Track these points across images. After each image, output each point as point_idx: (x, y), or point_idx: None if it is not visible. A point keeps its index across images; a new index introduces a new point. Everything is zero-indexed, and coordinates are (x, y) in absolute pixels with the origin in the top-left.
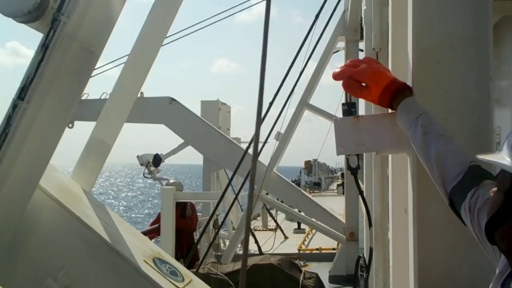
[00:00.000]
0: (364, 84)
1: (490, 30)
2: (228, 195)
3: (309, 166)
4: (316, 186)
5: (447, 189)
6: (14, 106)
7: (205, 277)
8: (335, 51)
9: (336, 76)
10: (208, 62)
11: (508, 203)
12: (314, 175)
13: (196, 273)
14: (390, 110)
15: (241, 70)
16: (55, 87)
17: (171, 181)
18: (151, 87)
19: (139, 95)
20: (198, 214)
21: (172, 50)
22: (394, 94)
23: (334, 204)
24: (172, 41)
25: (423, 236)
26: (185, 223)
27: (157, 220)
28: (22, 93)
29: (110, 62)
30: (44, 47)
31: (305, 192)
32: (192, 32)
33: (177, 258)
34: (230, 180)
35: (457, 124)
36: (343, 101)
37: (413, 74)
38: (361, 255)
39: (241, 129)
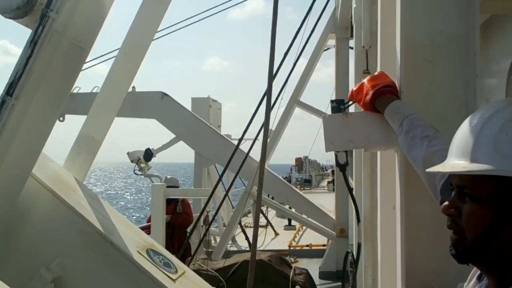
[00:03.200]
0: None
1: (477, 28)
2: (218, 191)
3: (300, 163)
4: (307, 183)
5: (438, 188)
6: (2, 102)
7: (195, 273)
8: (325, 48)
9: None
10: (199, 60)
11: (499, 212)
12: (305, 172)
13: None
14: None
15: (233, 68)
16: (44, 83)
17: (168, 177)
18: (142, 86)
19: (130, 89)
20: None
21: (164, 48)
22: (370, 105)
23: (325, 200)
24: (164, 35)
25: (410, 232)
26: (182, 218)
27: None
28: (11, 89)
29: (100, 56)
30: (33, 43)
31: (296, 189)
32: (185, 27)
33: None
34: (221, 176)
35: (444, 121)
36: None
37: (401, 72)
38: (349, 250)
39: (232, 126)
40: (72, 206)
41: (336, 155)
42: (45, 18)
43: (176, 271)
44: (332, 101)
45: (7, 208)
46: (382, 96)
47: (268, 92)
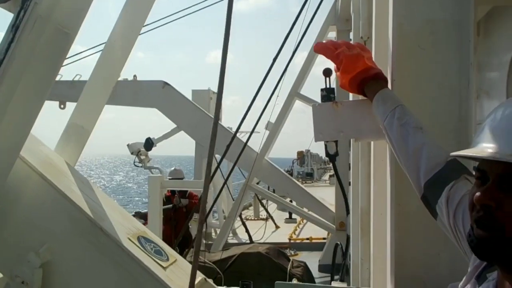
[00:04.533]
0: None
1: (472, 15)
2: (219, 183)
3: (302, 156)
4: (309, 176)
5: (422, 182)
6: None
7: (187, 262)
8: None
9: (317, 50)
10: (203, 53)
11: None
12: (307, 166)
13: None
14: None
15: (237, 61)
16: (29, 69)
17: (172, 169)
18: (144, 78)
19: (132, 78)
20: None
21: (167, 40)
22: (362, 82)
23: (326, 194)
24: (165, 24)
25: (400, 224)
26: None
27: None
28: None
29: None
30: (14, 28)
31: (297, 182)
32: (185, 16)
33: (173, 246)
34: (218, 164)
35: (437, 110)
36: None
37: (393, 59)
38: (338, 243)
39: (234, 120)
40: (62, 191)
41: (325, 145)
42: (27, 2)
43: (168, 259)
44: (322, 90)
45: None
46: (377, 80)
47: (219, 87)
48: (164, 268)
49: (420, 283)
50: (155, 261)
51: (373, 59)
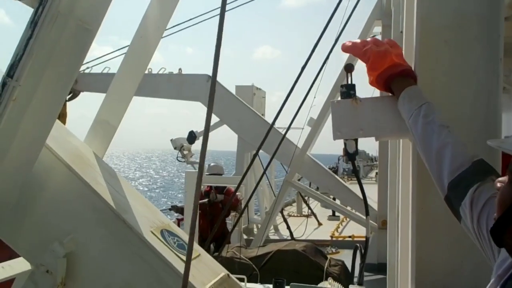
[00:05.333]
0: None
1: (502, 7)
2: (252, 180)
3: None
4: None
5: (445, 182)
6: (3, 84)
7: (229, 261)
8: (371, 35)
9: (344, 49)
10: (250, 49)
11: None
12: None
13: (220, 257)
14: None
15: (285, 56)
16: (50, 64)
17: (212, 164)
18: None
19: (177, 71)
20: None
21: (214, 36)
22: (389, 79)
23: (371, 192)
24: (208, 19)
25: (422, 229)
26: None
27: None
28: (11, 71)
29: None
30: (33, 24)
31: (339, 179)
32: (232, 9)
33: (209, 242)
34: (255, 155)
35: (464, 108)
36: None
37: (416, 54)
38: (357, 245)
39: (282, 116)
40: (87, 182)
41: (345, 144)
42: None
43: None
44: (342, 86)
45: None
46: (404, 77)
47: (212, 82)
48: None
49: None
50: (177, 255)
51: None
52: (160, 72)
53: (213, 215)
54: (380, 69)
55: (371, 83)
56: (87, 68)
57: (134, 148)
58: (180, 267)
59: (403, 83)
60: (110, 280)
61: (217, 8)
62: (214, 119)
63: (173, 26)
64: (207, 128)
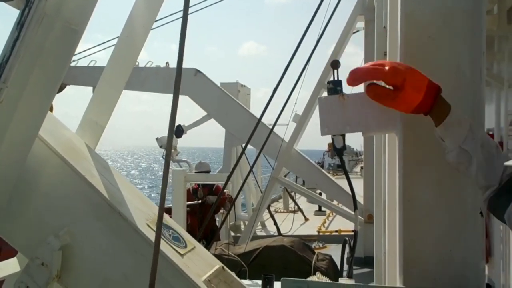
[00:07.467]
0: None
1: (484, 2)
2: (238, 177)
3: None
4: (340, 168)
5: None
6: None
7: (217, 258)
8: (354, 31)
9: (357, 78)
10: (235, 45)
11: None
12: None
13: None
14: None
15: (270, 52)
16: (37, 65)
17: (201, 161)
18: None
19: (164, 65)
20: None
21: (200, 34)
22: (437, 96)
23: (357, 186)
24: (195, 11)
25: (410, 219)
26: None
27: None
28: None
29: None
30: (19, 26)
31: (327, 174)
32: (216, 3)
33: (200, 239)
34: (243, 151)
35: (451, 102)
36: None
37: (401, 51)
38: (346, 239)
39: (268, 112)
40: (81, 174)
41: (332, 139)
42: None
43: (186, 246)
44: (328, 82)
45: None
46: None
47: (176, 81)
48: (182, 255)
49: (431, 280)
50: (172, 247)
51: (388, 50)
52: (148, 66)
53: (203, 213)
54: (423, 87)
55: (408, 109)
56: (73, 61)
57: (119, 146)
58: (177, 259)
59: (444, 106)
60: (106, 272)
61: (200, 3)
62: (202, 112)
63: (158, 20)
64: (173, 115)
